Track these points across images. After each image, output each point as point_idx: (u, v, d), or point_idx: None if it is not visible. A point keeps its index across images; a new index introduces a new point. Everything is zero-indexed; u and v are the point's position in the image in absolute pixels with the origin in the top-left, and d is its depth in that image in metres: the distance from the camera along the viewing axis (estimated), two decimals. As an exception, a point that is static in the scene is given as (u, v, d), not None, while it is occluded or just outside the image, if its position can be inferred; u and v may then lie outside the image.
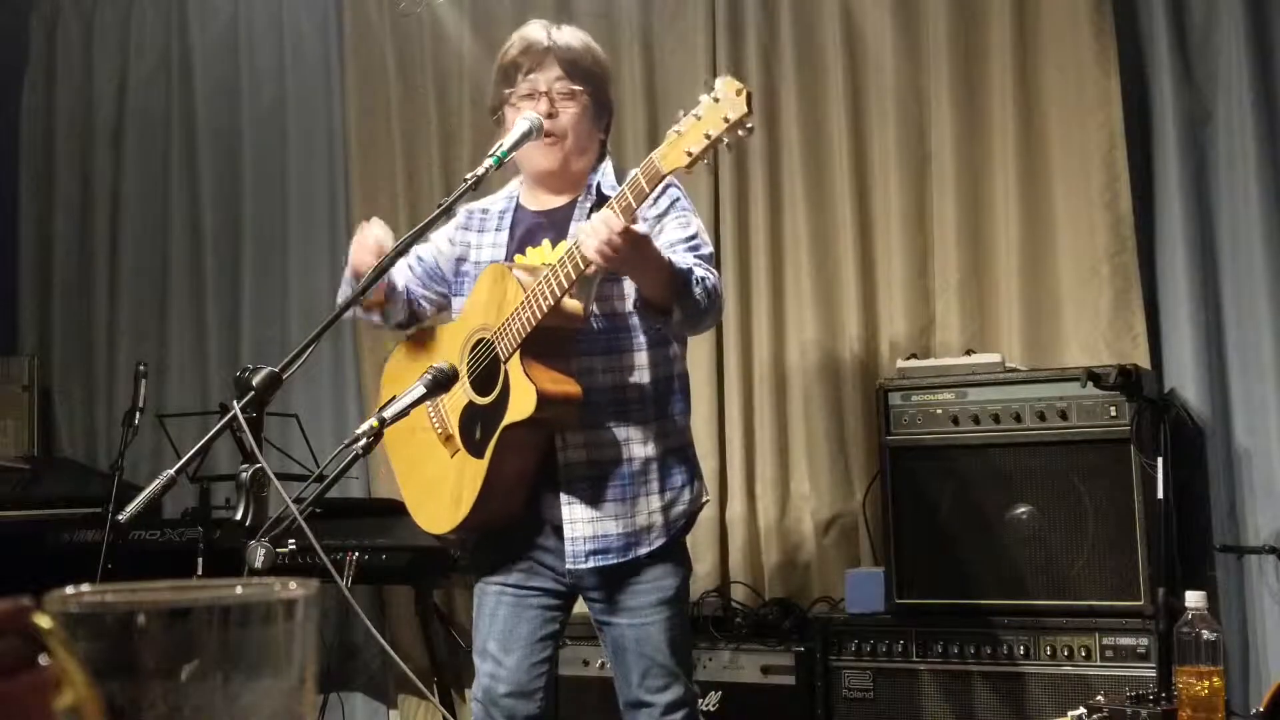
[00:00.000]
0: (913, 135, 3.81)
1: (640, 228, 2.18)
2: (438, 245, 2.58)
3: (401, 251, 2.07)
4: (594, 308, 2.31)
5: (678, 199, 2.40)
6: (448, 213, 2.24)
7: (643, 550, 2.34)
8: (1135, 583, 2.99)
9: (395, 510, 3.78)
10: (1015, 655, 3.07)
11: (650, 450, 2.35)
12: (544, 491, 2.35)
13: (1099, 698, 2.34)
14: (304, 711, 0.56)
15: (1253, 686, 3.30)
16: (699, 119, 2.01)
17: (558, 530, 2.34)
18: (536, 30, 2.47)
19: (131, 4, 5.15)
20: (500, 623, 2.39)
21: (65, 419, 5.16)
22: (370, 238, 2.36)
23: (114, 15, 5.20)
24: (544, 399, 2.18)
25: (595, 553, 2.31)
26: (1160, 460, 2.75)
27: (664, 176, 2.07)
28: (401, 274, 2.54)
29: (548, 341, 2.24)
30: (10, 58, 5.35)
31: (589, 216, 2.34)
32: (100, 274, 5.13)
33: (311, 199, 4.80)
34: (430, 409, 2.39)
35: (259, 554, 1.80)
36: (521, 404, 2.20)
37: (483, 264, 2.46)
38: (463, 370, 2.31)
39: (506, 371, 2.25)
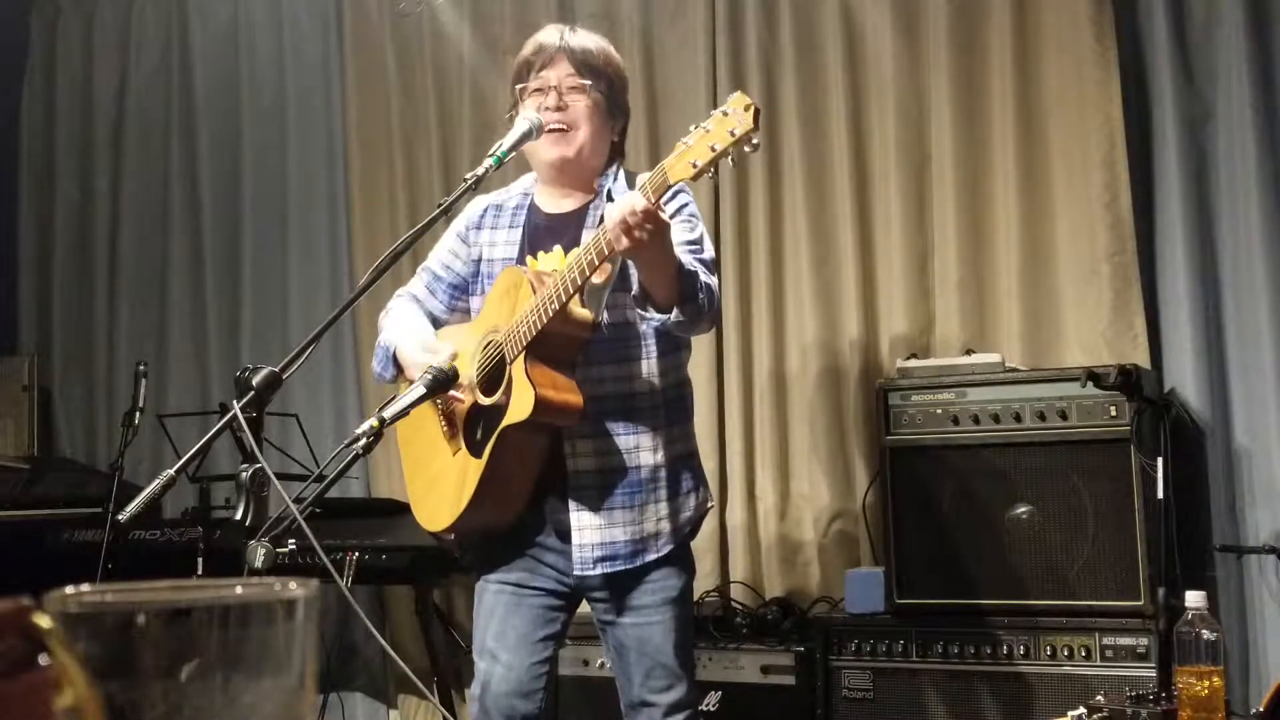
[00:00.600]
0: (913, 135, 3.81)
1: None
2: (452, 252, 2.54)
3: (400, 253, 2.06)
4: (604, 316, 2.31)
5: (686, 204, 2.41)
6: (448, 213, 2.24)
7: (650, 556, 2.34)
8: (1135, 583, 2.99)
9: (395, 510, 3.79)
10: (1015, 655, 3.07)
11: (659, 458, 2.35)
12: (551, 497, 2.35)
13: (1099, 698, 2.34)
14: (304, 711, 0.56)
15: (1253, 686, 3.30)
16: (707, 132, 2.02)
17: (562, 533, 2.34)
18: (550, 32, 2.49)
19: (131, 4, 5.15)
20: (501, 621, 2.39)
21: (65, 419, 5.17)
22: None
23: (114, 15, 5.20)
24: (541, 403, 2.19)
25: (604, 559, 2.32)
26: (1160, 460, 2.75)
27: (670, 187, 2.08)
28: (424, 328, 2.49)
29: (556, 347, 2.24)
30: (10, 58, 5.36)
31: (601, 223, 2.35)
32: (100, 274, 5.13)
33: (311, 199, 4.80)
34: (440, 407, 2.39)
35: (259, 554, 1.80)
36: (519, 407, 2.21)
37: (496, 261, 2.46)
38: (473, 370, 2.31)
39: (510, 373, 2.25)
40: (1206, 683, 2.06)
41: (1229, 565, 3.36)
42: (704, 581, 3.75)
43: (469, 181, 2.19)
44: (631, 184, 2.42)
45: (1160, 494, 2.72)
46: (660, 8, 4.21)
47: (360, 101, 4.67)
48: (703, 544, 3.82)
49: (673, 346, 2.40)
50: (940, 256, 3.75)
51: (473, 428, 2.34)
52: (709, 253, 2.37)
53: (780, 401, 3.91)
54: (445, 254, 2.56)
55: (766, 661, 3.31)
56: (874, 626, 3.25)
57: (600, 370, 2.32)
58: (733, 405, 3.95)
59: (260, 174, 4.89)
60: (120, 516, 1.83)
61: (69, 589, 0.54)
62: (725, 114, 2.01)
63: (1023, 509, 3.15)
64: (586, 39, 2.47)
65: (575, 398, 2.25)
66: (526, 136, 2.32)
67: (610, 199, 2.39)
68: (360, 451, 1.88)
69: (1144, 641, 2.94)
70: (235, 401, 1.85)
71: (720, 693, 3.32)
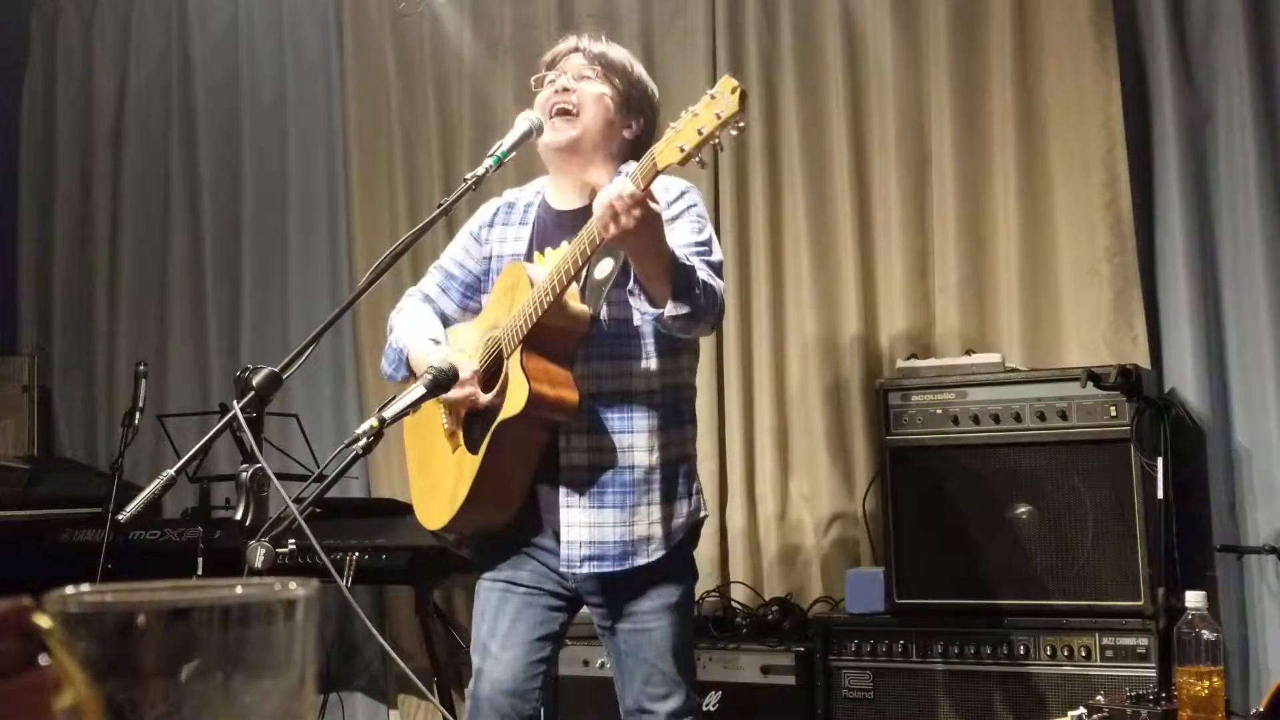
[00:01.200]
0: (913, 135, 3.81)
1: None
2: (465, 250, 2.55)
3: (400, 253, 2.06)
4: (604, 312, 2.30)
5: (695, 204, 2.39)
6: (447, 213, 2.24)
7: (640, 560, 2.32)
8: (1135, 583, 2.99)
9: (395, 510, 3.79)
10: (1015, 655, 3.07)
11: (653, 459, 2.33)
12: (547, 494, 2.34)
13: (1099, 698, 2.34)
14: (304, 711, 0.56)
15: (1253, 686, 3.30)
16: (695, 116, 2.01)
17: (556, 534, 2.34)
18: (571, 38, 2.51)
19: (131, 4, 5.15)
20: (499, 618, 2.38)
21: (65, 419, 5.17)
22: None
23: (114, 15, 5.20)
24: (534, 398, 2.18)
25: (591, 559, 2.30)
26: (1160, 460, 2.75)
27: (659, 171, 2.06)
28: (435, 327, 2.50)
29: (552, 341, 2.23)
30: (10, 58, 5.36)
31: None
32: (100, 274, 5.13)
33: (311, 199, 4.80)
34: (443, 405, 2.39)
35: (259, 554, 1.79)
36: (514, 401, 2.20)
37: (505, 258, 2.46)
38: (475, 366, 2.31)
39: (507, 368, 2.24)
40: (1206, 683, 2.06)
41: (1229, 565, 3.36)
42: (704, 581, 3.73)
43: (469, 182, 2.19)
44: None
45: (1160, 494, 2.73)
46: (660, 8, 4.21)
47: (360, 101, 4.67)
48: (703, 544, 3.79)
49: (673, 348, 2.38)
50: (940, 256, 3.75)
51: (471, 425, 2.34)
52: (717, 255, 2.35)
53: (780, 401, 3.91)
54: (459, 252, 2.55)
55: (766, 661, 3.31)
56: (874, 626, 3.25)
57: (598, 366, 2.31)
58: (733, 405, 3.95)
59: (260, 174, 4.89)
60: (120, 516, 1.83)
61: (69, 589, 0.54)
62: (712, 97, 2.00)
63: (1023, 509, 3.15)
64: (608, 46, 2.49)
65: (571, 393, 2.24)
66: (526, 136, 2.32)
67: None
68: (360, 451, 1.88)
69: (1144, 641, 2.94)
70: (235, 401, 1.85)
71: (720, 693, 3.32)
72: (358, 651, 4.48)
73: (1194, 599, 2.10)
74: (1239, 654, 3.33)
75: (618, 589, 2.34)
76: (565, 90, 2.39)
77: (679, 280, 2.14)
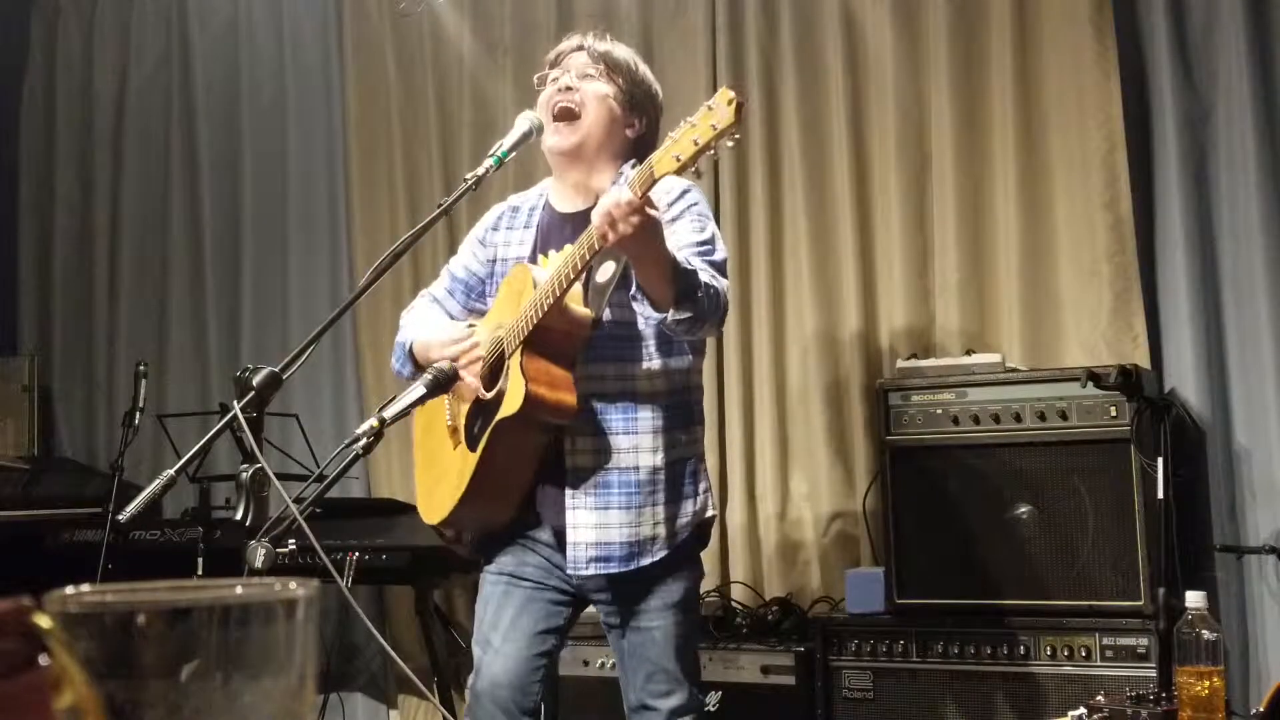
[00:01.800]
0: (913, 135, 3.81)
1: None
2: (471, 254, 2.57)
3: (400, 253, 2.06)
4: (606, 314, 2.30)
5: (696, 203, 2.39)
6: (448, 213, 2.24)
7: (645, 560, 2.32)
8: (1135, 583, 2.99)
9: (395, 510, 3.79)
10: (1015, 655, 3.07)
11: (658, 460, 2.33)
12: (552, 495, 2.35)
13: (1099, 698, 2.33)
14: (304, 711, 0.56)
15: (1253, 686, 3.30)
16: (692, 126, 2.01)
17: (560, 534, 2.34)
18: (574, 37, 2.52)
19: (131, 4, 5.15)
20: (502, 612, 2.38)
21: (65, 419, 5.17)
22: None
23: (114, 15, 5.20)
24: (530, 399, 2.18)
25: (597, 559, 2.30)
26: (1160, 460, 2.75)
27: (656, 180, 2.06)
28: (442, 321, 2.53)
29: (552, 343, 2.24)
30: (10, 58, 5.36)
31: None
32: (100, 274, 5.13)
33: (311, 199, 4.80)
34: (448, 403, 2.40)
35: (259, 554, 1.79)
36: (511, 400, 2.20)
37: (509, 261, 2.47)
38: (480, 368, 2.32)
39: (508, 367, 2.25)
40: (1206, 683, 2.06)
41: (1229, 565, 3.36)
42: (704, 581, 3.73)
43: (469, 182, 2.19)
44: None
45: (1160, 494, 2.72)
46: (660, 8, 4.21)
47: (360, 101, 4.67)
48: (703, 544, 3.82)
49: (676, 349, 2.38)
50: (940, 256, 3.75)
51: (472, 422, 2.34)
52: (720, 254, 2.34)
53: (781, 401, 3.91)
54: (465, 256, 2.58)
55: (766, 661, 3.31)
56: (874, 626, 3.25)
57: (601, 368, 2.32)
58: (733, 405, 3.95)
59: (260, 174, 4.89)
60: (120, 516, 1.83)
61: (69, 589, 0.54)
62: (710, 108, 2.00)
63: (1023, 509, 3.15)
64: (613, 44, 2.50)
65: (570, 396, 2.23)
66: (526, 137, 2.32)
67: None
68: (360, 451, 1.88)
69: (1144, 641, 2.94)
70: (235, 402, 1.85)
71: (720, 693, 3.32)
72: (358, 651, 4.48)
73: (1194, 599, 2.10)
74: (1239, 654, 3.33)
75: (623, 588, 2.34)
76: (568, 89, 2.40)
77: (681, 284, 2.14)
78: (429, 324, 2.51)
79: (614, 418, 2.32)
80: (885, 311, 3.83)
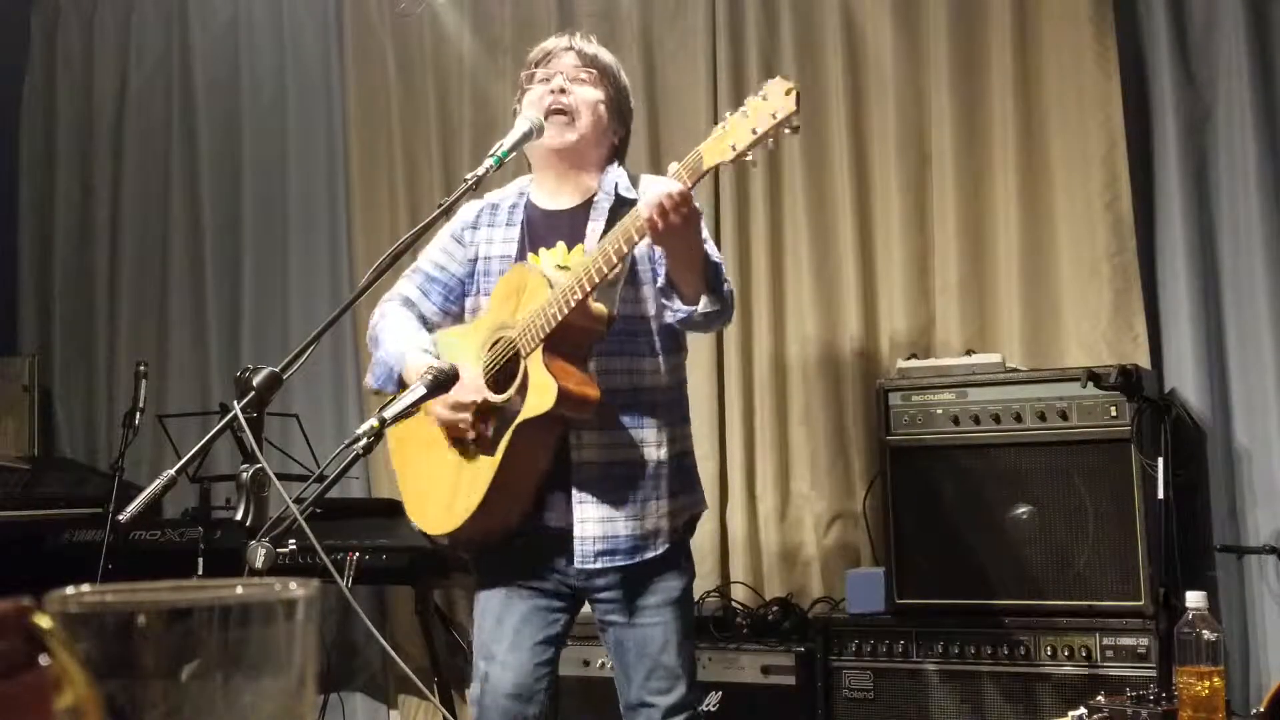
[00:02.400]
0: (913, 135, 3.81)
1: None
2: (447, 253, 2.52)
3: (400, 253, 2.05)
4: (616, 309, 2.31)
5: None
6: (448, 213, 2.23)
7: (649, 554, 2.34)
8: (1135, 583, 2.99)
9: (395, 510, 3.78)
10: (1016, 655, 3.07)
11: (662, 454, 2.35)
12: (552, 494, 2.34)
13: (1099, 698, 2.33)
14: (304, 711, 0.56)
15: (1253, 686, 3.30)
16: (746, 116, 2.01)
17: (563, 533, 2.33)
18: (560, 36, 2.52)
19: (132, 4, 5.15)
20: (502, 622, 2.38)
21: (65, 419, 5.16)
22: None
23: (114, 15, 5.20)
24: (564, 395, 2.17)
25: (604, 553, 2.31)
26: (1160, 460, 2.75)
27: (705, 172, 2.07)
28: (424, 338, 2.46)
29: (573, 341, 2.23)
30: (10, 58, 5.36)
31: (607, 219, 2.35)
32: (100, 274, 5.13)
33: (311, 199, 4.80)
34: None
35: (259, 554, 1.79)
36: (540, 399, 2.18)
37: (493, 259, 2.45)
38: (479, 369, 2.30)
39: (526, 367, 2.23)
40: (1207, 683, 2.06)
41: (1229, 565, 3.36)
42: (704, 581, 3.74)
43: (469, 182, 2.19)
44: (635, 184, 2.42)
45: (1161, 494, 2.73)
46: (660, 8, 4.21)
47: (360, 101, 4.67)
48: (703, 544, 3.82)
49: (677, 345, 2.42)
50: (940, 256, 3.75)
51: (483, 427, 2.32)
52: (717, 252, 2.37)
53: (781, 401, 3.91)
54: (439, 255, 2.53)
55: (767, 661, 3.31)
56: (874, 626, 3.25)
57: (609, 363, 2.32)
58: (733, 405, 3.95)
59: (260, 174, 4.89)
60: (120, 517, 1.83)
61: (69, 589, 0.54)
62: (764, 98, 2.01)
63: (1023, 509, 3.15)
64: (598, 47, 2.51)
65: (593, 390, 2.23)
66: (527, 136, 2.32)
67: (616, 194, 2.39)
68: (361, 452, 1.88)
69: (1144, 641, 2.94)
70: (235, 402, 1.85)
71: (720, 693, 3.32)
72: (358, 651, 4.48)
73: (1194, 599, 2.10)
74: (1239, 654, 3.33)
75: (624, 584, 2.35)
76: (562, 90, 2.40)
77: (711, 276, 2.19)
78: (411, 338, 2.42)
79: (621, 414, 2.33)
80: (885, 311, 3.83)
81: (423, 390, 1.97)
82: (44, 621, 0.52)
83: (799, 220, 3.92)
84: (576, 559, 2.31)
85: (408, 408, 1.94)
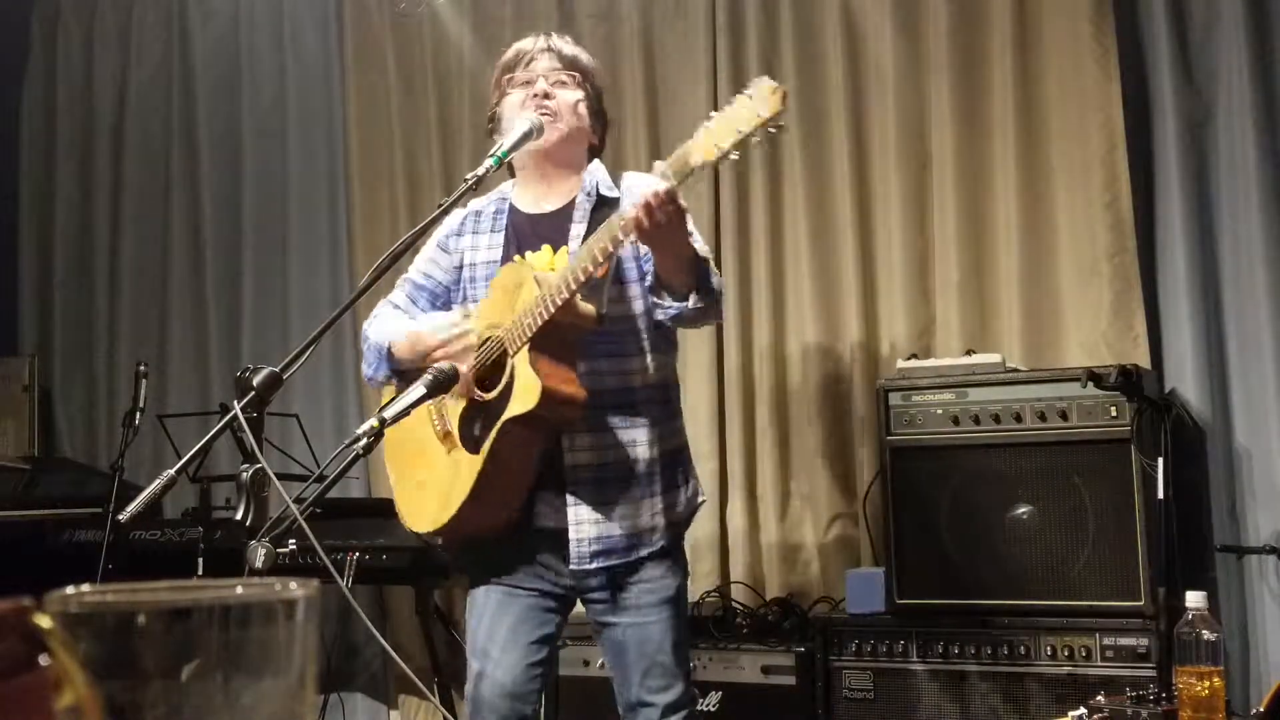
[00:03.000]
0: (913, 136, 3.81)
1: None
2: (432, 261, 2.54)
3: (400, 253, 2.06)
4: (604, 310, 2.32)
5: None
6: (448, 213, 2.24)
7: (644, 551, 2.34)
8: (1135, 583, 2.99)
9: (395, 510, 3.78)
10: (1015, 655, 3.07)
11: (654, 452, 2.36)
12: (545, 495, 2.34)
13: (1099, 698, 2.34)
14: (304, 711, 0.56)
15: (1253, 686, 3.30)
16: (732, 115, 2.01)
17: (556, 535, 2.34)
18: (531, 39, 2.52)
19: (132, 4, 5.15)
20: (495, 621, 2.38)
21: (65, 419, 5.17)
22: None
23: (114, 15, 5.20)
24: (548, 394, 2.18)
25: (600, 554, 2.31)
26: (1160, 460, 2.75)
27: (693, 169, 2.07)
28: (430, 315, 2.51)
29: (560, 341, 2.24)
30: (10, 58, 5.36)
31: (589, 218, 2.35)
32: (100, 274, 5.13)
33: (311, 199, 4.80)
34: (433, 406, 2.38)
35: (259, 554, 1.79)
36: (525, 398, 2.19)
37: (479, 266, 2.46)
38: (469, 367, 2.31)
39: (513, 366, 2.24)
40: (1207, 683, 2.06)
41: (1229, 565, 3.36)
42: (704, 581, 3.75)
43: (469, 182, 2.19)
44: (616, 182, 2.43)
45: (1161, 494, 2.72)
46: (660, 8, 4.21)
47: (360, 101, 4.67)
48: (703, 544, 3.82)
49: (666, 343, 2.42)
50: (941, 257, 3.75)
51: (470, 425, 2.33)
52: (705, 246, 2.38)
53: (781, 401, 3.91)
54: (425, 263, 2.56)
55: (767, 662, 3.31)
56: (874, 626, 3.25)
57: (597, 364, 2.32)
58: (733, 405, 3.95)
59: (260, 174, 4.89)
60: (120, 516, 1.83)
61: (69, 589, 0.54)
62: (750, 97, 2.00)
63: (1023, 509, 3.15)
64: (574, 46, 2.51)
65: (579, 390, 2.24)
66: (527, 136, 2.32)
67: (597, 195, 2.40)
68: (361, 452, 1.88)
69: (1144, 641, 2.94)
70: (236, 402, 1.85)
71: (720, 693, 3.32)
72: (358, 651, 4.48)
73: (1194, 599, 2.10)
74: (1239, 654, 3.33)
75: (618, 583, 2.35)
76: (545, 95, 2.40)
77: (700, 273, 2.19)
78: (405, 323, 2.47)
79: (612, 413, 2.34)
80: (885, 312, 3.83)
81: (422, 390, 1.97)
82: (44, 621, 0.52)
83: (799, 220, 3.92)
84: (572, 560, 2.32)
85: (407, 408, 1.95)
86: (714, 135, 2.02)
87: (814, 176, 3.92)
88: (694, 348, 3.85)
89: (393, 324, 2.48)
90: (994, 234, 3.71)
